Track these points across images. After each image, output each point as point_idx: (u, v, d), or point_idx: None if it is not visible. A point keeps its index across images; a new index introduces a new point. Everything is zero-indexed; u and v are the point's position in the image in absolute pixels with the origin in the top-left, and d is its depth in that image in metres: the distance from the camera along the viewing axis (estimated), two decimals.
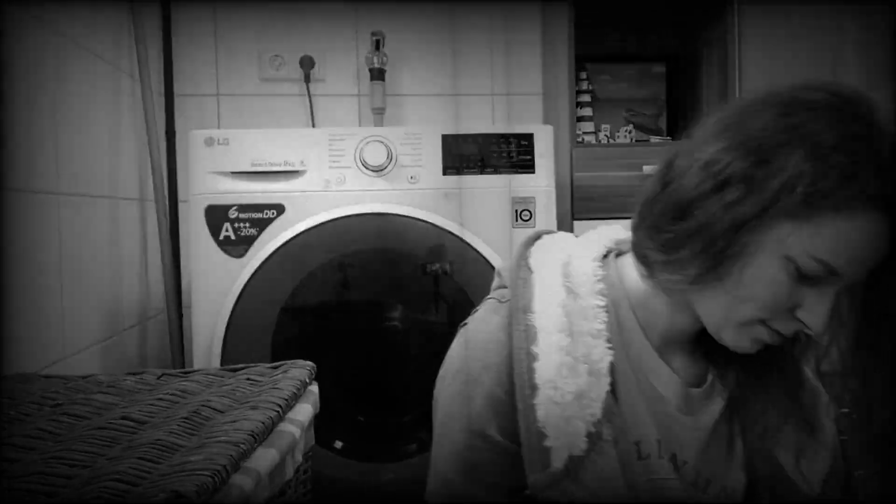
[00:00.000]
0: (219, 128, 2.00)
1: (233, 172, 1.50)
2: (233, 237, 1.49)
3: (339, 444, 1.54)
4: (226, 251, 1.49)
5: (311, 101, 2.00)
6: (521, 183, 1.54)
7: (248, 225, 1.49)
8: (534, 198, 1.54)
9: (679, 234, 0.66)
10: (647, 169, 1.68)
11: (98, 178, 1.54)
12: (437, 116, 2.06)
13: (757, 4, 1.77)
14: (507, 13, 2.08)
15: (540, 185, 1.54)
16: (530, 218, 1.53)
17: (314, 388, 0.99)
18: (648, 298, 0.75)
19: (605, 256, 0.80)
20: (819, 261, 0.62)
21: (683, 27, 2.07)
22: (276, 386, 0.90)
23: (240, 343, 1.47)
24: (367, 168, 1.51)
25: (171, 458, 0.65)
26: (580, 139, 1.95)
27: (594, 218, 1.70)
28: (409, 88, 2.07)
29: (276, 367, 1.01)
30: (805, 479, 0.74)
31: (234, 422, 0.76)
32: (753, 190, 0.62)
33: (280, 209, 1.50)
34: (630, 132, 2.02)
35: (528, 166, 1.54)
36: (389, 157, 1.51)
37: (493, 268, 1.41)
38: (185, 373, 0.98)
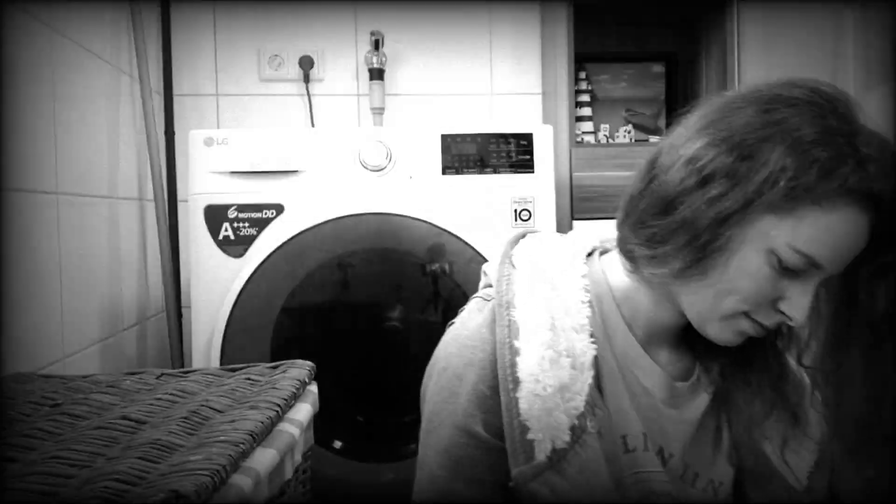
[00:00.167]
0: (218, 127, 2.00)
1: (232, 172, 1.50)
2: (232, 237, 1.49)
3: (338, 444, 1.54)
4: (225, 251, 1.49)
5: (310, 101, 2.00)
6: (520, 183, 1.54)
7: (247, 225, 1.49)
8: (533, 198, 1.54)
9: (664, 229, 0.68)
10: None
11: (97, 178, 1.54)
12: (437, 116, 2.07)
13: (757, 4, 1.77)
14: (506, 13, 2.08)
15: (539, 184, 1.54)
16: (529, 218, 1.53)
17: (313, 387, 0.99)
18: (632, 293, 0.76)
19: (590, 255, 0.81)
20: (801, 253, 0.64)
21: (683, 27, 2.07)
22: (275, 386, 0.90)
23: (239, 343, 1.47)
24: (366, 168, 1.51)
25: (171, 458, 0.65)
26: (579, 139, 1.95)
27: (593, 218, 1.69)
28: (409, 88, 2.07)
29: (275, 367, 1.01)
30: (791, 470, 0.75)
31: (234, 422, 0.76)
32: (737, 184, 0.64)
33: (279, 209, 1.50)
34: (629, 132, 2.02)
35: (527, 166, 1.54)
36: (388, 156, 1.51)
37: None
38: (185, 373, 0.98)
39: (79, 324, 1.41)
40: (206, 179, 1.50)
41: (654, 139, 2.03)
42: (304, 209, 1.49)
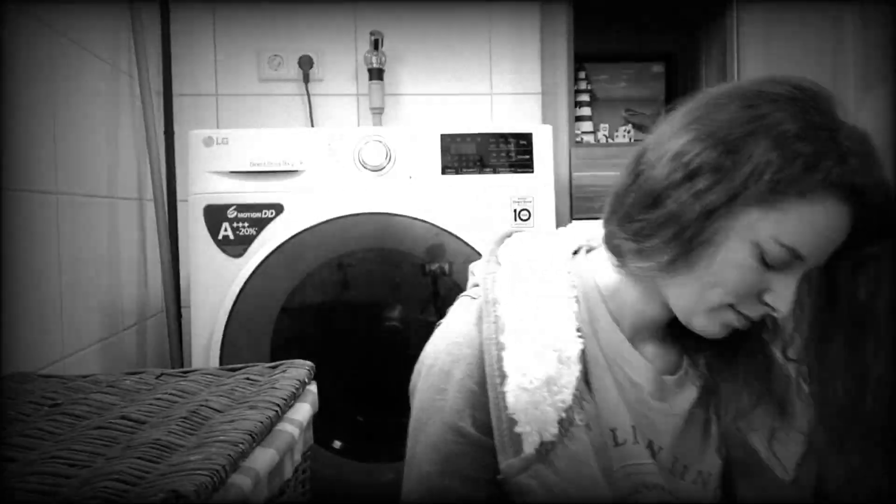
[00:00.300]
0: (218, 127, 2.00)
1: (231, 172, 1.50)
2: (231, 237, 1.49)
3: (337, 444, 1.54)
4: (225, 251, 1.49)
5: (309, 101, 2.00)
6: (519, 183, 1.54)
7: (246, 224, 1.49)
8: (533, 197, 1.54)
9: (651, 223, 0.69)
10: None
11: (97, 178, 1.54)
12: (436, 116, 2.07)
13: (757, 4, 1.77)
14: (506, 13, 2.08)
15: (539, 184, 1.54)
16: (529, 217, 1.53)
17: (313, 387, 0.99)
18: (619, 288, 0.77)
19: (576, 253, 0.82)
20: (785, 245, 0.65)
21: (682, 27, 2.07)
22: (274, 386, 0.90)
23: (239, 343, 1.47)
24: (365, 168, 1.51)
25: (170, 458, 0.65)
26: (579, 139, 1.95)
27: (593, 217, 1.68)
28: (408, 88, 2.07)
29: (274, 367, 1.01)
30: (779, 461, 0.76)
31: (233, 421, 0.76)
32: (722, 178, 0.65)
33: (279, 209, 1.50)
34: (629, 132, 2.02)
35: (526, 166, 1.54)
36: (388, 156, 1.52)
37: None
38: (184, 372, 0.98)
39: (78, 323, 1.41)
40: (206, 179, 1.50)
41: None
42: (303, 209, 1.49)
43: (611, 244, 0.75)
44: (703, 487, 0.76)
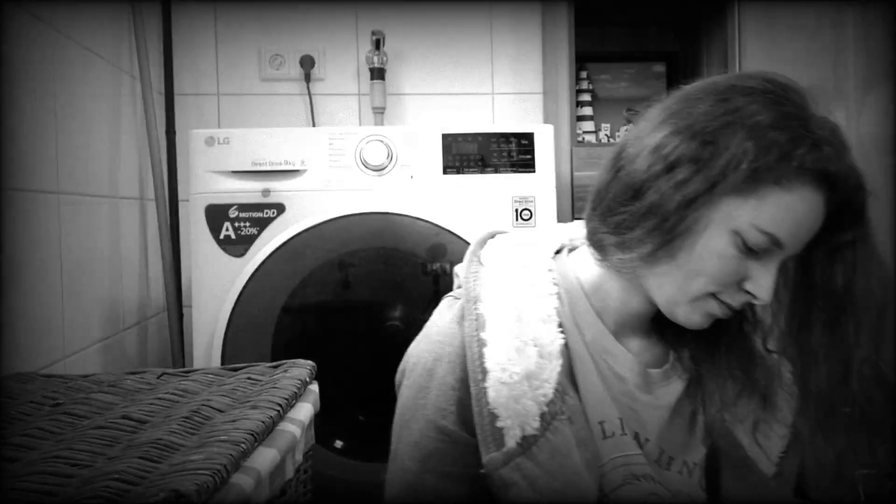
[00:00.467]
0: (219, 127, 2.00)
1: (233, 172, 1.50)
2: (233, 236, 1.49)
3: (339, 444, 1.54)
4: (226, 250, 1.49)
5: (311, 101, 2.00)
6: (521, 182, 1.54)
7: (248, 224, 1.49)
8: (534, 197, 1.54)
9: (632, 215, 0.71)
10: None
11: (98, 178, 1.54)
12: (438, 115, 2.07)
13: (757, 4, 1.77)
14: (507, 13, 2.08)
15: (540, 184, 1.54)
16: (530, 217, 1.53)
17: (314, 387, 0.99)
18: (602, 284, 0.78)
19: (559, 252, 0.84)
20: (764, 232, 0.67)
21: (684, 26, 2.07)
22: (276, 385, 0.90)
23: (240, 342, 1.47)
24: (367, 167, 1.51)
25: (172, 458, 0.65)
26: (580, 138, 1.94)
27: None
28: (410, 87, 2.07)
29: (276, 367, 1.01)
30: (763, 451, 0.78)
31: (235, 421, 0.76)
32: (701, 168, 0.67)
33: (280, 209, 1.50)
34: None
35: (528, 165, 1.54)
36: (389, 156, 1.51)
37: None
38: (186, 372, 0.98)
39: (80, 323, 1.41)
40: (207, 179, 1.50)
41: None
42: (304, 209, 1.49)
43: (593, 239, 0.76)
44: (688, 477, 0.78)
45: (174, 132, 1.91)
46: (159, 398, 0.84)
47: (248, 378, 0.95)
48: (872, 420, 0.72)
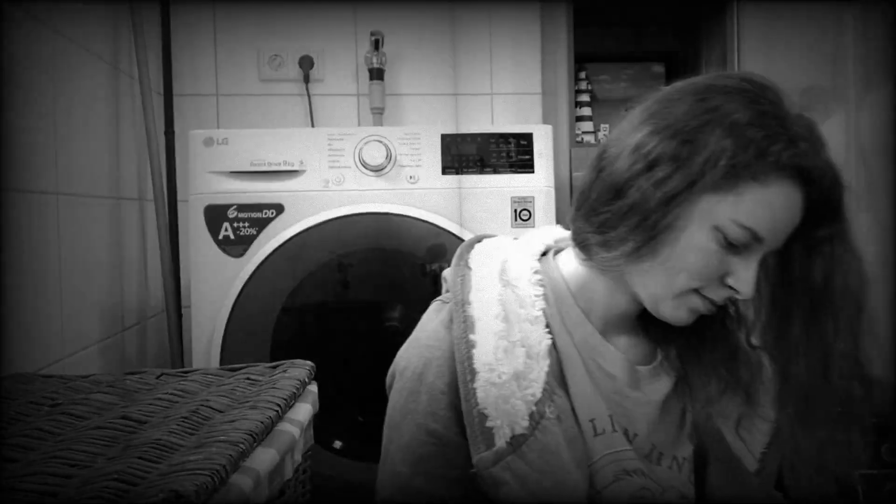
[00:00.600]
0: (218, 127, 2.00)
1: (232, 172, 1.50)
2: (232, 237, 1.49)
3: (338, 444, 1.54)
4: (225, 251, 1.49)
5: (310, 101, 2.00)
6: (520, 182, 1.54)
7: (247, 225, 1.49)
8: (533, 197, 1.54)
9: (615, 213, 0.72)
10: None
11: (97, 178, 1.54)
12: (437, 116, 2.07)
13: (757, 4, 1.77)
14: (506, 13, 2.08)
15: (539, 184, 1.54)
16: (529, 217, 1.53)
17: (313, 387, 0.99)
18: (588, 284, 0.80)
19: (545, 254, 0.85)
20: (743, 227, 0.68)
21: (683, 27, 2.07)
22: (275, 385, 0.90)
23: (239, 343, 1.47)
24: (366, 168, 1.51)
25: (171, 458, 0.65)
26: (579, 139, 1.95)
27: None
28: (409, 88, 2.07)
29: (275, 367, 1.01)
30: (746, 448, 0.79)
31: (234, 421, 0.76)
32: (681, 167, 0.68)
33: (279, 209, 1.50)
34: None
35: (527, 166, 1.54)
36: (388, 156, 1.52)
37: None
38: (185, 372, 0.98)
39: (79, 324, 1.41)
40: (206, 179, 1.50)
41: None
42: (303, 209, 1.49)
43: (578, 239, 0.77)
44: (679, 472, 0.78)
45: (173, 133, 1.91)
46: (158, 398, 0.84)
47: (247, 378, 0.95)
48: (851, 413, 0.73)
